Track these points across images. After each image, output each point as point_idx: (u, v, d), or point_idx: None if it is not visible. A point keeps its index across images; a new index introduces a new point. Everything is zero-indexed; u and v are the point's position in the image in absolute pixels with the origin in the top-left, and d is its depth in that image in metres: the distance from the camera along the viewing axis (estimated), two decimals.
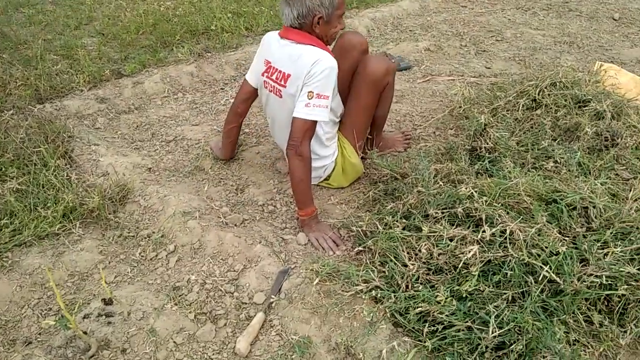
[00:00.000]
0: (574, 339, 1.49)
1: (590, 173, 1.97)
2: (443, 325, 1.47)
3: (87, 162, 2.36)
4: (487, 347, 1.40)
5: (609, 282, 1.50)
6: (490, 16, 4.32)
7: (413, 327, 1.51)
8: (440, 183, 1.88)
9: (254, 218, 2.08)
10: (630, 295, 1.51)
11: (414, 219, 1.77)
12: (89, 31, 3.91)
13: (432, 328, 1.47)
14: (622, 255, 1.54)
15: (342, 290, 1.64)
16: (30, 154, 2.28)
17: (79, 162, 2.36)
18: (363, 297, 1.62)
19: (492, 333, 1.39)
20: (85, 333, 1.54)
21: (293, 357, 1.50)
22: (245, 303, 1.68)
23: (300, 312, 1.61)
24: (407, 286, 1.59)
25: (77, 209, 2.02)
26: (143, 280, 1.80)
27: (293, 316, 1.61)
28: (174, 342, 1.56)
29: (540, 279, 1.48)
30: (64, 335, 1.56)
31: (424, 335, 1.47)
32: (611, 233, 1.61)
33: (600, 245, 1.58)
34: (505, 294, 1.48)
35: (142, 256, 1.90)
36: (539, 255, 1.52)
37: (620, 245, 1.56)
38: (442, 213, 1.73)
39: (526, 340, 1.39)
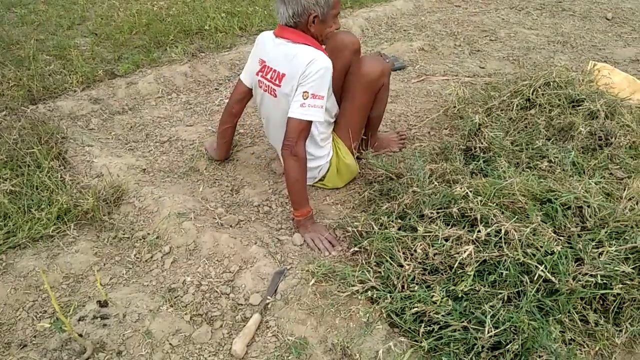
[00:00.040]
0: (569, 338, 1.49)
1: (584, 172, 1.98)
2: (439, 326, 1.47)
3: (81, 163, 2.35)
4: (483, 347, 1.41)
5: (604, 281, 1.50)
6: (484, 16, 4.34)
7: (409, 328, 1.51)
8: (435, 183, 1.88)
9: (250, 219, 2.08)
10: (625, 294, 1.52)
11: (410, 219, 1.77)
12: (81, 31, 3.89)
13: (428, 328, 1.48)
14: (617, 255, 1.55)
15: (338, 291, 1.65)
16: (23, 156, 2.26)
17: (73, 163, 2.35)
18: (359, 297, 1.63)
19: (488, 333, 1.39)
20: (80, 335, 1.53)
21: (289, 358, 1.50)
22: (241, 304, 1.68)
23: (296, 313, 1.61)
24: (403, 286, 1.59)
25: (71, 211, 2.01)
26: (138, 282, 1.79)
27: (289, 317, 1.60)
28: (170, 344, 1.56)
29: (535, 278, 1.48)
30: (59, 338, 1.55)
31: (420, 335, 1.47)
32: (606, 232, 1.62)
33: (595, 245, 1.59)
34: (500, 293, 1.49)
35: (137, 258, 1.89)
36: (534, 255, 1.52)
37: (615, 245, 1.57)
38: (437, 213, 1.73)
39: (522, 339, 1.39)
